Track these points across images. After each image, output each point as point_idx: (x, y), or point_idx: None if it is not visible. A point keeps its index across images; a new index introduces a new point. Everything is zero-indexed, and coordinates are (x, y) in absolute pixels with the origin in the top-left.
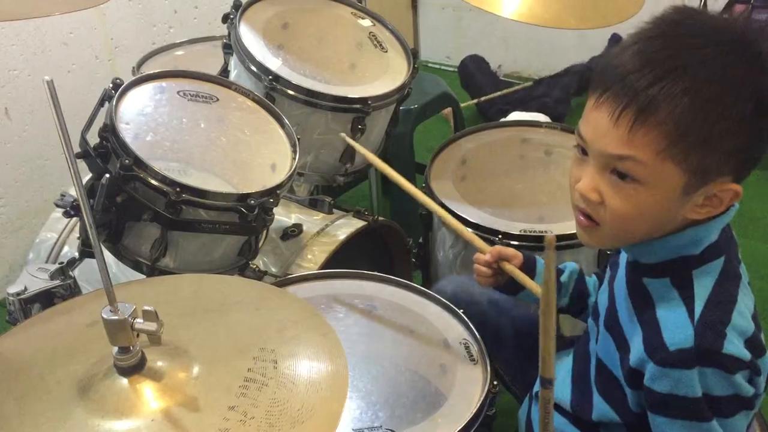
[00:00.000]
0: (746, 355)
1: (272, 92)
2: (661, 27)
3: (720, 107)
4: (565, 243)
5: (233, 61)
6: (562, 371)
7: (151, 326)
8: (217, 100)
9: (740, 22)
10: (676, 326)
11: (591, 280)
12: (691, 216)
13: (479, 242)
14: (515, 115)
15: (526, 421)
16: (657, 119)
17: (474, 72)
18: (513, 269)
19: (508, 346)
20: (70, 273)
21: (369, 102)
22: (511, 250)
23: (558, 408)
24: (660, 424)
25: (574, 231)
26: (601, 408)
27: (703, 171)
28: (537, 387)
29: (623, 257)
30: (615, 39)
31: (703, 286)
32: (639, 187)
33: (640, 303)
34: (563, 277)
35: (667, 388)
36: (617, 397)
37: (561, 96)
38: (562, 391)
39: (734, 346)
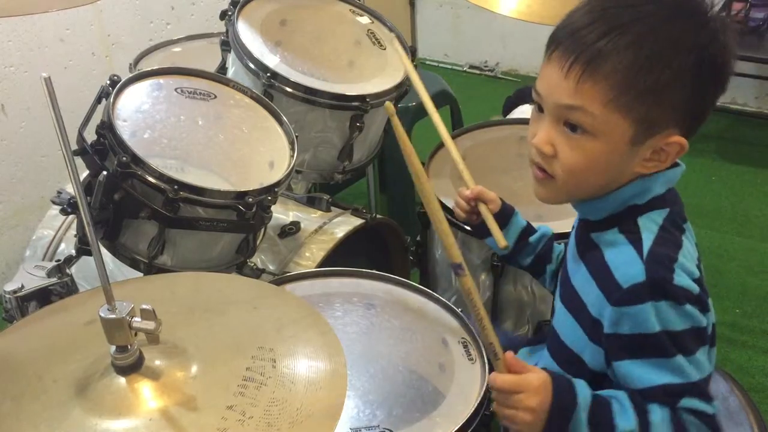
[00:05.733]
0: (695, 288)
1: (270, 89)
2: None
3: (662, 60)
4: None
5: (231, 58)
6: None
7: (149, 325)
8: (215, 97)
9: None
10: (626, 264)
11: (558, 248)
12: (638, 170)
13: (467, 176)
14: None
15: None
16: (604, 72)
17: None
18: (486, 213)
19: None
20: (67, 271)
21: (367, 99)
22: (491, 195)
23: None
24: (628, 369)
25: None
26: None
27: (649, 122)
28: None
29: (572, 230)
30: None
31: (648, 229)
32: (589, 138)
33: (589, 256)
34: (533, 238)
35: (627, 329)
36: (572, 365)
37: None
38: None
39: (683, 278)
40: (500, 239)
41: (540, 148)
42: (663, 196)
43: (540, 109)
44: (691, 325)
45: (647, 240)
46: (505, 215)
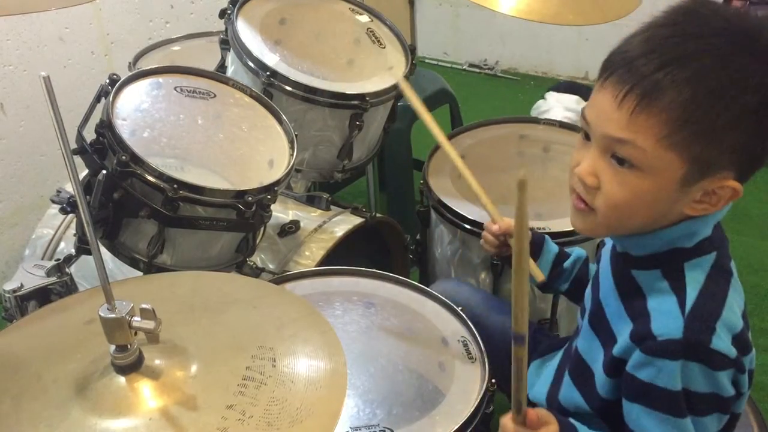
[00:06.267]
0: (732, 352)
1: (270, 88)
2: (671, 16)
3: (724, 99)
4: (564, 240)
5: (230, 57)
6: (548, 369)
7: (149, 324)
8: (215, 96)
9: (752, 16)
10: (666, 317)
11: (594, 268)
12: (687, 212)
13: (492, 209)
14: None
15: None
16: (660, 105)
17: None
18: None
19: (500, 344)
20: (67, 270)
21: (367, 98)
22: None
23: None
24: (635, 413)
25: (572, 228)
26: (568, 392)
27: (703, 163)
28: None
29: (606, 250)
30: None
31: (694, 279)
32: (637, 173)
33: (629, 296)
34: (567, 263)
35: (649, 376)
36: (585, 381)
37: None
38: (541, 389)
39: (722, 341)
40: (537, 274)
41: (583, 178)
42: (710, 237)
43: (586, 136)
44: (714, 391)
45: (692, 293)
46: (536, 245)
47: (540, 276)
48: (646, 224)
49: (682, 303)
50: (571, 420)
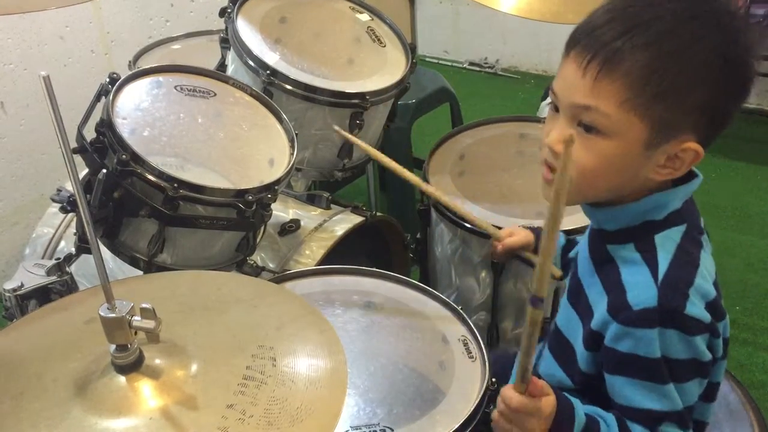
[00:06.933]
0: (707, 317)
1: (270, 87)
2: None
3: (680, 61)
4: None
5: (230, 56)
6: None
7: (149, 324)
8: (215, 95)
9: None
10: (640, 287)
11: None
12: (652, 176)
13: (492, 230)
14: None
15: None
16: (621, 70)
17: None
18: (532, 258)
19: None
20: (67, 269)
21: (367, 97)
22: (522, 241)
23: None
24: (618, 385)
25: (573, 227)
26: (551, 369)
27: (664, 125)
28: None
29: (585, 233)
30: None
31: (665, 249)
32: (603, 138)
33: (605, 270)
34: (572, 253)
35: (628, 347)
36: (567, 357)
37: None
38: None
39: (696, 307)
40: (555, 271)
41: (552, 146)
42: (680, 210)
43: (556, 109)
44: (693, 357)
45: (663, 262)
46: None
47: (557, 273)
48: (614, 189)
49: (654, 273)
50: (565, 393)
